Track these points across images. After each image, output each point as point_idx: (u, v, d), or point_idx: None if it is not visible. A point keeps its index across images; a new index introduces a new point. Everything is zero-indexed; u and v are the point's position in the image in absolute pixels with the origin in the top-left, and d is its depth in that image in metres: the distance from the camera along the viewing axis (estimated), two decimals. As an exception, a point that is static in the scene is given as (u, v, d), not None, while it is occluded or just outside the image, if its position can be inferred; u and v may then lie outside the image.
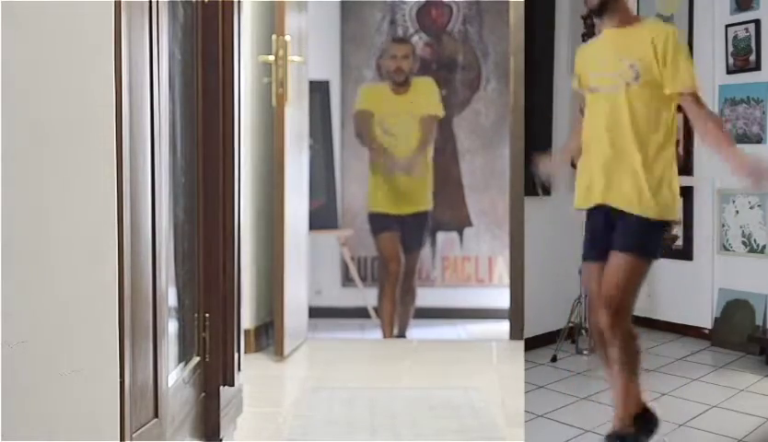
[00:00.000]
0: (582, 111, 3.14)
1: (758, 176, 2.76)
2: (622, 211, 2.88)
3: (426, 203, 6.37)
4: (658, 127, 2.86)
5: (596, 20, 2.99)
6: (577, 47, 3.16)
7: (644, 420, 2.99)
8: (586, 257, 3.04)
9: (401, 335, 6.39)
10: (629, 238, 2.86)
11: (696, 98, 2.84)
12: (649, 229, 2.88)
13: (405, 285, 6.41)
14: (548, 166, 3.34)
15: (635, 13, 3.15)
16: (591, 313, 3.04)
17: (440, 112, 6.37)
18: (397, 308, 6.39)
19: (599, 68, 2.95)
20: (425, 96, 6.34)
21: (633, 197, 2.87)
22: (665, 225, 2.94)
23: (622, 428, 2.97)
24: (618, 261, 2.86)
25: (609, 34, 2.93)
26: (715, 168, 4.10)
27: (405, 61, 6.28)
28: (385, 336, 6.35)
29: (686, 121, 3.24)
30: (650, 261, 2.91)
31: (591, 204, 2.96)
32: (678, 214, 2.94)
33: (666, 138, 2.87)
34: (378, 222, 6.34)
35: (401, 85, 6.29)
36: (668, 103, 2.86)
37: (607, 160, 2.90)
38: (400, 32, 7.45)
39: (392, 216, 6.29)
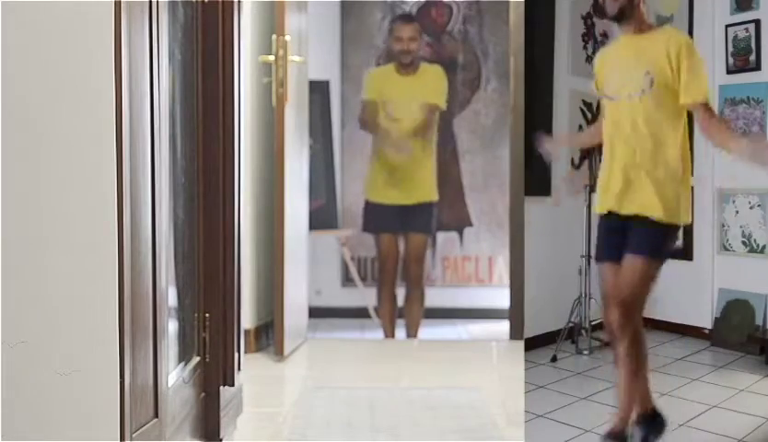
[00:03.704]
0: (595, 117, 3.20)
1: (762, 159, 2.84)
2: (636, 215, 2.94)
3: (430, 194, 6.31)
4: (673, 133, 2.91)
5: (615, 25, 3.04)
6: (597, 51, 3.22)
7: (652, 420, 3.03)
8: (600, 258, 3.10)
9: (413, 336, 6.35)
10: (643, 242, 2.93)
11: (706, 107, 2.89)
12: (663, 233, 2.95)
13: (412, 278, 6.34)
14: (551, 144, 3.44)
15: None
16: (606, 311, 3.08)
17: (442, 104, 6.31)
18: (396, 305, 6.38)
19: (615, 75, 3.02)
20: (432, 83, 6.28)
21: (649, 202, 2.93)
22: (677, 228, 2.99)
23: (618, 429, 3.00)
24: (632, 263, 2.92)
25: (625, 40, 3.01)
26: (715, 167, 4.10)
27: (413, 43, 6.20)
28: (386, 336, 6.34)
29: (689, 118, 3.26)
30: (662, 263, 2.98)
31: (608, 208, 3.01)
32: (689, 218, 2.99)
33: (681, 144, 2.93)
34: (378, 217, 6.29)
35: (407, 66, 6.23)
36: (681, 110, 2.92)
37: (624, 166, 2.97)
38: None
39: (393, 208, 6.23)
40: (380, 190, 6.27)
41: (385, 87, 6.27)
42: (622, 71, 2.98)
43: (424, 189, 6.28)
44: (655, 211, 2.92)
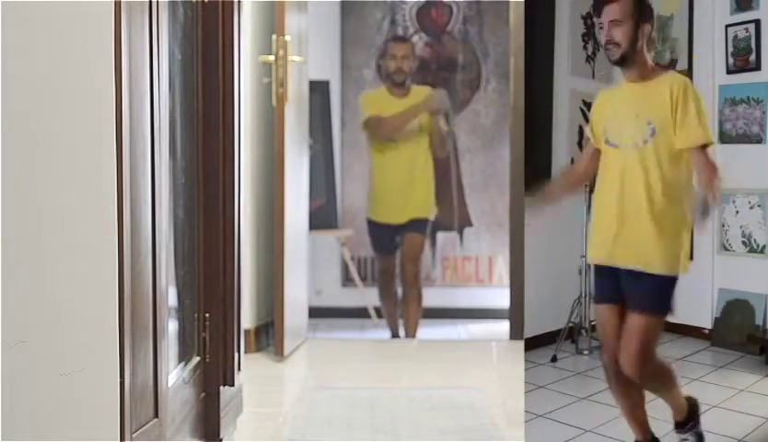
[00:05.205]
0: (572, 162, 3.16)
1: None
2: (632, 270, 2.89)
3: (427, 211, 6.35)
4: (673, 183, 2.86)
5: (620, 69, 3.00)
6: (597, 94, 3.16)
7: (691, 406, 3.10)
8: (599, 300, 3.06)
9: (411, 336, 6.37)
10: (645, 298, 2.88)
11: (700, 151, 2.83)
12: (661, 286, 2.89)
13: (408, 278, 6.35)
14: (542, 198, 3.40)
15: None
16: (606, 354, 3.05)
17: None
18: (399, 306, 6.39)
19: (616, 123, 2.96)
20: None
21: (644, 255, 2.87)
22: (675, 279, 2.92)
23: (682, 417, 3.09)
24: (637, 322, 2.88)
25: (628, 88, 2.95)
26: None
27: (405, 61, 6.28)
28: (393, 335, 6.36)
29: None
30: (665, 315, 2.94)
31: (602, 259, 2.97)
32: (686, 270, 2.93)
33: (680, 193, 2.88)
34: (377, 237, 6.36)
35: (400, 86, 6.27)
36: (682, 155, 2.87)
37: (620, 216, 2.91)
38: (400, 32, 7.45)
39: (391, 227, 6.28)
40: (379, 210, 6.33)
41: (381, 109, 6.28)
42: (624, 120, 2.92)
43: (422, 207, 6.31)
44: (652, 264, 2.86)
